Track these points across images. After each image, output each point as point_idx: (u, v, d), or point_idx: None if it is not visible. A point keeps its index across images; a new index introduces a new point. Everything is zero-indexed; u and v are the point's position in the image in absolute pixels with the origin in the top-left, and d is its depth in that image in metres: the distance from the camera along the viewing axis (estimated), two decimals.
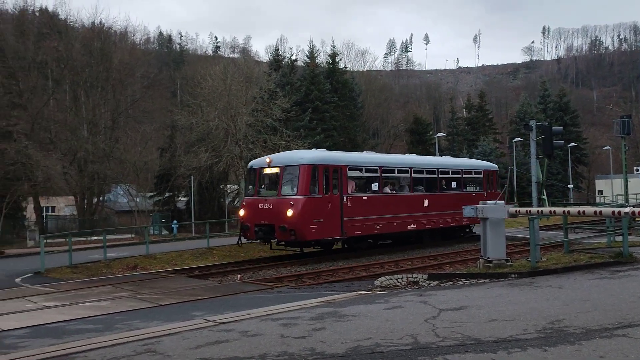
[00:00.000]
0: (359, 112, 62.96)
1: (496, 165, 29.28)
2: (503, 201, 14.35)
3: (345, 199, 18.83)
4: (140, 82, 52.36)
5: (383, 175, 20.96)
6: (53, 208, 50.33)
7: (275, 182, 18.84)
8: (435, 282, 11.97)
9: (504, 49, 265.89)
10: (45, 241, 18.82)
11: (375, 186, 20.43)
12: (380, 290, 11.38)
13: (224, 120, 38.30)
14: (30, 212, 44.26)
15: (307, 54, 59.65)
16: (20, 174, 36.52)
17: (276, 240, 18.86)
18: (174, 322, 8.62)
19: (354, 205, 19.10)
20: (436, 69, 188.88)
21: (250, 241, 19.55)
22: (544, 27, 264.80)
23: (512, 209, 13.36)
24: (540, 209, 13.56)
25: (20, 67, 41.65)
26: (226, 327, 8.00)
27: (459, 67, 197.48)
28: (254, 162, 20.54)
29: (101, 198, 47.15)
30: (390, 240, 23.06)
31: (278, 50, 61.58)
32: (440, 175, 23.79)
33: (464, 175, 25.30)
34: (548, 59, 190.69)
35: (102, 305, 10.64)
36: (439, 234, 24.19)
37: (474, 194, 24.62)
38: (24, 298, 11.44)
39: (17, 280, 14.12)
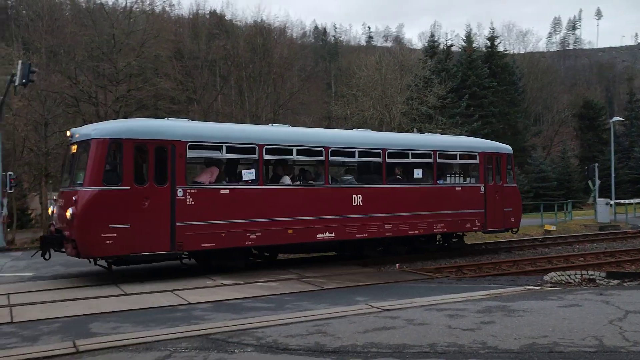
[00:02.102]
0: (520, 97, 59.32)
1: (507, 147, 18.67)
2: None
3: (182, 194, 12.00)
4: (298, 75, 54.69)
5: (268, 157, 13.45)
6: None
7: (73, 165, 12.56)
8: (616, 281, 10.89)
9: None
10: None
11: (248, 174, 13.13)
12: (551, 287, 10.65)
13: (378, 109, 38.51)
14: None
15: (464, 38, 57.69)
16: None
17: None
18: (339, 306, 8.91)
19: (200, 203, 12.20)
20: (610, 47, 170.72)
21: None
22: None
23: None
24: None
25: (195, 66, 45.77)
26: (390, 314, 8.06)
27: (639, 42, 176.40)
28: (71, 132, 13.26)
29: None
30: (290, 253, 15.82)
31: (433, 36, 60.22)
32: (389, 160, 15.17)
33: (440, 160, 16.21)
34: None
35: (271, 285, 11.35)
36: (401, 244, 16.26)
37: (459, 188, 16.62)
38: (205, 276, 12.61)
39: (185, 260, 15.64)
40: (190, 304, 9.47)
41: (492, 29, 61.91)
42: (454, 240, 17.84)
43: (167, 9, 48.26)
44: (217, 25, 54.87)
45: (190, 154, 12.34)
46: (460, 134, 35.53)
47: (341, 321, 7.60)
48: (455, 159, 16.93)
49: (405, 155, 15.76)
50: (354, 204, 14.49)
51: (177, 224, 11.91)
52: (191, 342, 6.70)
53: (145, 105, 29.78)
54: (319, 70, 73.09)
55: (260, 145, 13.10)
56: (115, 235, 11.30)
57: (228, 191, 12.78)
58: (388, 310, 8.35)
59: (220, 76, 50.15)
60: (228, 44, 47.78)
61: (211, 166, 13.11)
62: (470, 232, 17.87)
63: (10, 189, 23.06)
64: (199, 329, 7.45)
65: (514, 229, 18.25)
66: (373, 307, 8.64)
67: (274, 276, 12.53)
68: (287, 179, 14.05)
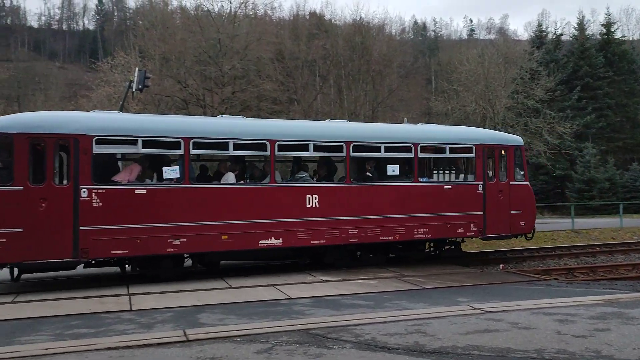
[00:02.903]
0: None
1: (516, 138, 15.71)
2: None
3: (86, 194, 10.62)
4: (397, 72, 54.12)
5: (196, 152, 11.89)
6: None
7: None
8: None
9: None
10: None
11: (171, 172, 11.46)
12: None
13: (481, 104, 37.22)
14: None
15: (575, 26, 54.09)
16: None
17: None
18: (439, 306, 8.73)
19: (109, 205, 10.76)
20: None
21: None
22: None
23: None
24: None
25: (295, 67, 46.78)
26: (494, 316, 7.77)
27: None
28: None
29: None
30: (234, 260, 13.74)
31: (541, 25, 57.08)
32: (354, 154, 13.16)
33: (422, 155, 13.88)
34: None
35: (370, 283, 11.35)
36: (380, 251, 14.11)
37: (448, 186, 14.07)
38: (305, 272, 12.89)
39: None
40: (291, 298, 9.72)
41: (608, 14, 57.51)
42: (447, 247, 15.16)
43: (268, 12, 49.79)
44: (316, 25, 55.69)
45: (98, 149, 10.82)
46: (571, 128, 33.35)
47: (441, 322, 7.44)
48: (444, 152, 14.25)
49: (376, 149, 13.47)
50: (308, 206, 12.52)
51: (81, 228, 10.51)
52: (292, 336, 6.88)
53: (249, 106, 30.99)
54: (419, 66, 71.88)
55: (186, 139, 11.48)
56: (4, 240, 10.05)
57: (145, 191, 11.19)
58: (491, 312, 8.06)
59: (320, 76, 50.87)
60: (327, 43, 48.33)
61: (133, 163, 11.86)
62: (464, 238, 15.08)
63: None
64: (299, 323, 7.62)
65: (527, 235, 15.27)
66: (475, 308, 8.37)
67: (372, 274, 12.52)
68: (230, 177, 12.29)
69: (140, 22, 45.25)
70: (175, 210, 11.33)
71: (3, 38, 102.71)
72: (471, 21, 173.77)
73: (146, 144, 11.25)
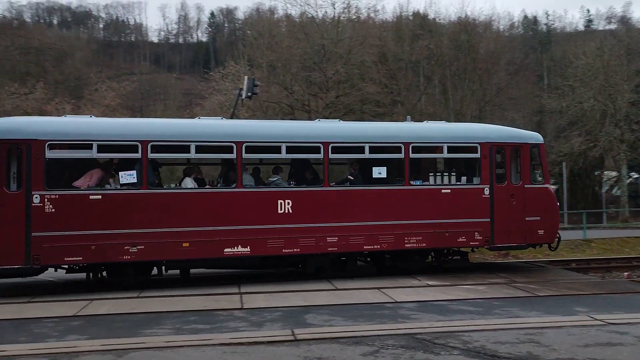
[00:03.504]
0: None
1: (534, 135, 13.96)
2: None
3: (39, 200, 10.37)
4: (505, 69, 51.84)
5: (155, 156, 11.31)
6: None
7: None
8: None
9: None
10: None
11: (127, 177, 10.99)
12: None
13: (600, 100, 34.67)
14: None
15: None
16: None
17: None
18: (554, 315, 8.26)
19: (63, 211, 10.48)
20: None
21: None
22: None
23: None
24: None
25: (398, 68, 46.37)
26: (617, 328, 7.22)
27: None
28: None
29: None
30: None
31: None
32: (333, 156, 12.22)
33: (414, 155, 12.59)
34: None
35: (478, 289, 10.98)
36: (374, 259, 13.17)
37: (446, 190, 12.64)
38: (411, 276, 12.73)
39: None
40: (396, 302, 9.66)
41: None
42: (451, 257, 13.52)
43: (371, 15, 49.79)
44: (420, 25, 54.83)
45: (52, 154, 10.62)
46: None
47: (557, 332, 7.04)
48: (441, 152, 12.95)
49: (360, 150, 12.42)
50: (280, 211, 11.66)
51: (33, 234, 10.31)
52: (398, 340, 6.84)
53: (353, 109, 31.25)
54: (529, 62, 68.21)
55: (144, 142, 11.03)
56: None
57: (99, 197, 10.79)
58: (614, 324, 7.49)
59: (424, 76, 50.04)
60: (431, 43, 47.43)
61: (93, 168, 11.38)
62: (467, 248, 13.45)
63: None
64: (405, 327, 7.56)
65: (551, 246, 13.71)
66: (596, 319, 7.82)
67: (481, 279, 12.10)
68: (188, 182, 11.80)
69: (249, 32, 47.27)
70: (132, 216, 10.91)
71: (128, 53, 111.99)
72: (588, 11, 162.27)
73: (102, 148, 10.97)
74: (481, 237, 12.69)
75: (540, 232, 13.05)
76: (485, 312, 8.71)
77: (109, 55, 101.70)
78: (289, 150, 12.01)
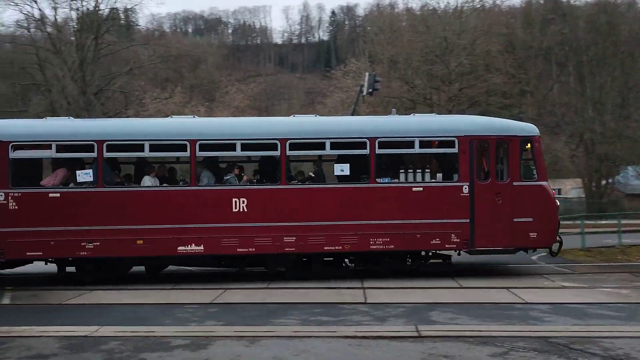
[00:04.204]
0: None
1: (526, 126, 12.51)
2: None
3: (3, 198, 10.99)
4: None
5: (111, 155, 11.55)
6: (559, 190, 51.27)
7: None
8: None
9: None
10: None
11: (84, 175, 11.36)
12: None
13: None
14: None
15: None
16: None
17: None
18: None
19: (25, 208, 11.04)
20: None
21: None
22: None
23: None
24: None
25: (527, 57, 43.86)
26: None
27: None
28: None
29: (610, 180, 44.92)
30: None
31: None
32: (291, 153, 11.65)
33: (381, 151, 11.69)
34: None
35: (621, 292, 10.11)
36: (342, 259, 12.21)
37: (418, 188, 11.56)
38: (542, 275, 12.05)
39: (533, 257, 15.02)
40: (526, 303, 9.20)
41: None
42: (432, 261, 12.34)
43: (497, 2, 47.63)
44: (552, 9, 51.34)
45: (16, 154, 11.26)
46: None
47: None
48: (412, 147, 11.85)
49: (320, 146, 11.87)
50: (234, 210, 11.42)
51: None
52: (529, 343, 6.53)
53: (477, 102, 30.11)
54: None
55: (100, 142, 11.35)
56: None
57: (58, 194, 11.25)
58: None
59: (557, 64, 46.87)
60: (565, 27, 44.27)
61: (59, 167, 11.85)
62: (442, 251, 12.23)
63: None
64: (537, 330, 7.21)
65: (552, 251, 12.38)
66: None
67: (625, 282, 11.13)
68: (146, 180, 11.79)
69: (369, 28, 47.40)
70: (89, 213, 11.27)
71: (254, 56, 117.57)
72: None
73: (60, 148, 11.53)
74: (459, 240, 11.65)
75: (533, 235, 11.75)
76: (629, 318, 8.00)
77: (237, 59, 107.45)
78: (244, 147, 11.79)
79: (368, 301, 9.56)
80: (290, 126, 12.21)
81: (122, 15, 40.94)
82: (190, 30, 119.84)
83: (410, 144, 11.89)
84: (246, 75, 79.83)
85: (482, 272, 12.61)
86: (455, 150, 11.78)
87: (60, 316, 8.74)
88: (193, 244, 11.36)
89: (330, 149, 11.86)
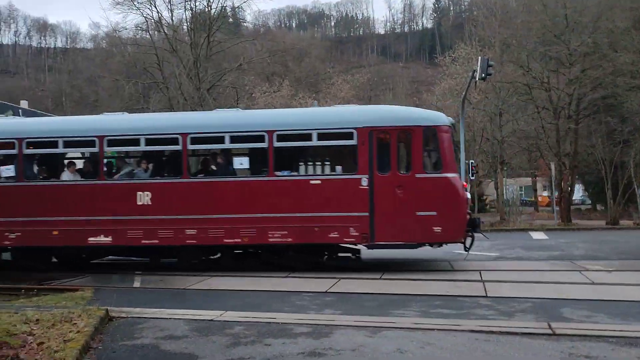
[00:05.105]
0: None
1: (432, 115, 11.83)
2: None
3: None
4: None
5: (30, 152, 12.52)
6: None
7: None
8: None
9: None
10: None
11: (6, 170, 12.44)
12: None
13: None
14: None
15: None
16: None
17: None
18: None
19: None
20: None
21: None
22: None
23: None
24: None
25: None
26: None
27: None
28: None
29: None
30: None
31: None
32: (192, 147, 12.16)
33: (279, 144, 11.56)
34: None
35: None
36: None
37: (316, 181, 11.45)
38: None
39: None
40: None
41: None
42: (343, 255, 12.09)
43: None
44: None
45: None
46: None
47: None
48: (310, 140, 11.58)
49: (220, 140, 11.93)
50: (139, 203, 11.74)
51: None
52: None
53: (602, 84, 27.69)
54: None
55: (20, 140, 12.26)
56: None
57: None
58: None
59: None
60: None
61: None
62: (343, 245, 11.81)
63: (472, 176, 25.31)
64: None
65: (466, 247, 11.77)
66: None
67: None
68: (64, 175, 12.50)
69: (474, 12, 45.40)
70: (11, 206, 12.16)
71: (357, 47, 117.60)
72: None
73: None
74: (357, 233, 11.26)
75: (437, 229, 11.12)
76: None
77: (339, 51, 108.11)
78: (148, 142, 12.10)
79: (489, 295, 9.08)
80: (191, 121, 12.81)
81: (230, 14, 42.52)
82: (294, 25, 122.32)
83: (309, 137, 11.68)
84: (349, 66, 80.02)
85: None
86: (354, 142, 11.43)
87: (185, 300, 9.17)
88: (102, 235, 11.89)
89: (230, 143, 12.00)
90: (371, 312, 7.88)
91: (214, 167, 12.45)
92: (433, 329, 6.71)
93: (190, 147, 12.07)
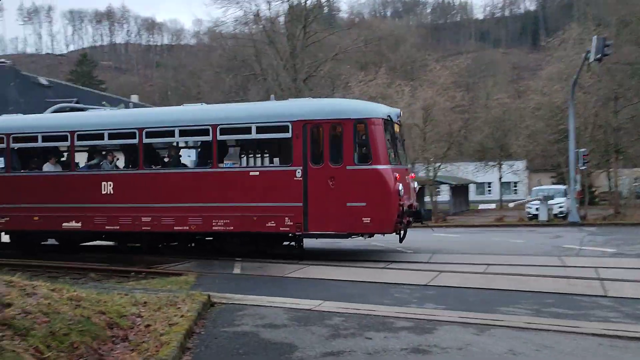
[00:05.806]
0: None
1: (363, 108, 12.10)
2: None
3: None
4: None
5: (15, 145, 13.99)
6: None
7: None
8: None
9: None
10: None
11: None
12: None
13: None
14: None
15: None
16: None
17: None
18: None
19: None
20: None
21: None
22: None
23: None
24: None
25: None
26: None
27: None
28: None
29: None
30: None
31: None
32: (147, 141, 12.91)
33: (222, 137, 12.35)
34: None
35: None
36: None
37: (255, 172, 12.24)
38: None
39: None
40: None
41: None
42: (287, 243, 12.62)
43: None
44: None
45: None
46: None
47: None
48: (250, 133, 12.15)
49: (170, 134, 12.83)
50: (103, 192, 12.95)
51: None
52: None
53: None
54: None
55: (7, 135, 13.78)
56: None
57: None
58: None
59: None
60: None
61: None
62: (278, 234, 12.19)
63: (583, 166, 23.54)
64: None
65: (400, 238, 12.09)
66: None
67: None
68: (45, 166, 13.83)
69: None
70: (1, 194, 13.66)
71: (454, 34, 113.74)
72: None
73: None
74: (292, 223, 11.61)
75: (366, 219, 11.26)
76: None
77: (435, 39, 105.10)
78: (110, 137, 13.17)
79: (609, 295, 8.25)
80: (147, 116, 13.85)
81: (325, 4, 42.56)
82: (389, 13, 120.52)
83: (248, 130, 12.16)
84: (446, 54, 77.51)
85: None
86: (289, 135, 11.80)
87: (283, 288, 9.18)
88: (73, 221, 13.17)
89: (179, 136, 12.93)
90: (476, 308, 7.41)
91: (166, 159, 13.61)
92: (548, 330, 6.17)
93: (145, 140, 12.89)
